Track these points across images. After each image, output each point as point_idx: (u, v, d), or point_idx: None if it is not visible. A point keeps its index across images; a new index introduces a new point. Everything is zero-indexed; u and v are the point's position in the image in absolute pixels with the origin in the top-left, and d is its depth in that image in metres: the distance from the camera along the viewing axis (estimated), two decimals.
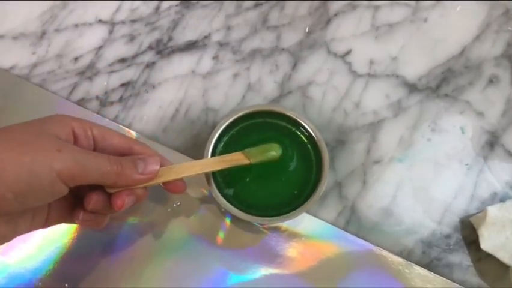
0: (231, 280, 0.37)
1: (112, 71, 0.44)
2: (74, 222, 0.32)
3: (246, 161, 0.35)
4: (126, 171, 0.30)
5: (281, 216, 0.35)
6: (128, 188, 0.31)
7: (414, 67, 0.44)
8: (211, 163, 0.35)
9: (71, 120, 0.30)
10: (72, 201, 0.31)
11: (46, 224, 0.31)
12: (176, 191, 0.34)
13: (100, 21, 0.46)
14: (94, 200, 0.30)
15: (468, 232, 0.39)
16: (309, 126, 0.37)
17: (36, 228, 0.30)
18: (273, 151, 0.35)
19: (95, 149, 0.31)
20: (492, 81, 0.44)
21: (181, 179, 0.34)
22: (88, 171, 0.28)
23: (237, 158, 0.35)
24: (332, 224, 0.39)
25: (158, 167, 0.31)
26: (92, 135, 0.31)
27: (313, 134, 0.37)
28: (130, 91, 0.43)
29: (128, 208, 0.31)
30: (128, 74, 0.44)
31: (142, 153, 0.32)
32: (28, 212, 0.29)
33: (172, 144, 0.41)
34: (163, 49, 0.45)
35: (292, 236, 0.38)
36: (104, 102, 0.43)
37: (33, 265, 0.37)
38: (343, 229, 0.38)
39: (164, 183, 0.33)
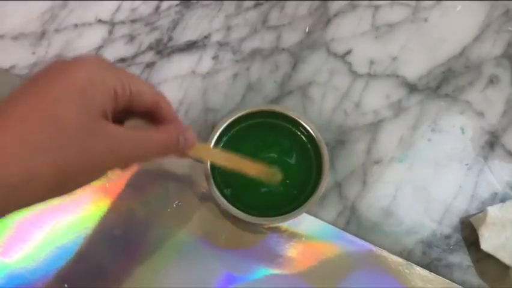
0: (231, 280, 0.37)
1: None
2: None
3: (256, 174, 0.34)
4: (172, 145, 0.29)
5: (281, 217, 0.35)
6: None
7: (415, 67, 0.44)
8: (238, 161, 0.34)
9: (112, 81, 0.25)
10: None
11: None
12: None
13: (99, 21, 0.46)
14: None
15: (468, 232, 0.39)
16: (309, 126, 0.37)
17: None
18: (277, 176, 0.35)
19: (127, 107, 0.27)
20: (492, 81, 0.44)
21: None
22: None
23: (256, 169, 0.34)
24: (332, 224, 0.39)
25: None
26: (130, 91, 0.27)
27: (313, 134, 0.37)
28: None
29: None
30: None
31: (167, 113, 0.30)
32: None
33: None
34: (163, 49, 0.45)
35: (293, 236, 0.38)
36: None
37: (33, 265, 0.37)
38: (343, 229, 0.38)
39: None
